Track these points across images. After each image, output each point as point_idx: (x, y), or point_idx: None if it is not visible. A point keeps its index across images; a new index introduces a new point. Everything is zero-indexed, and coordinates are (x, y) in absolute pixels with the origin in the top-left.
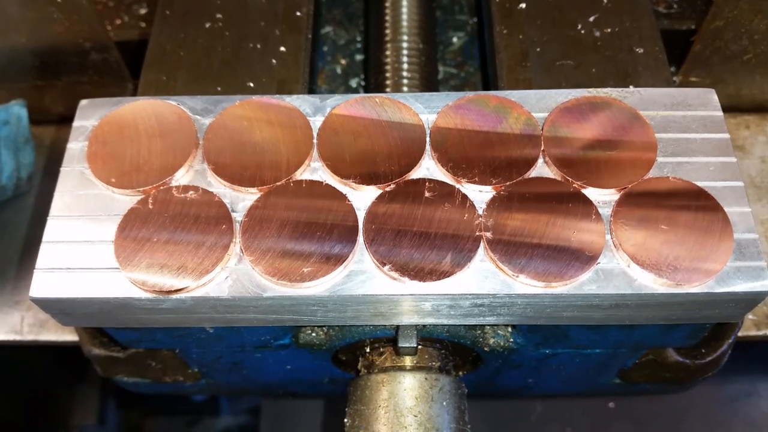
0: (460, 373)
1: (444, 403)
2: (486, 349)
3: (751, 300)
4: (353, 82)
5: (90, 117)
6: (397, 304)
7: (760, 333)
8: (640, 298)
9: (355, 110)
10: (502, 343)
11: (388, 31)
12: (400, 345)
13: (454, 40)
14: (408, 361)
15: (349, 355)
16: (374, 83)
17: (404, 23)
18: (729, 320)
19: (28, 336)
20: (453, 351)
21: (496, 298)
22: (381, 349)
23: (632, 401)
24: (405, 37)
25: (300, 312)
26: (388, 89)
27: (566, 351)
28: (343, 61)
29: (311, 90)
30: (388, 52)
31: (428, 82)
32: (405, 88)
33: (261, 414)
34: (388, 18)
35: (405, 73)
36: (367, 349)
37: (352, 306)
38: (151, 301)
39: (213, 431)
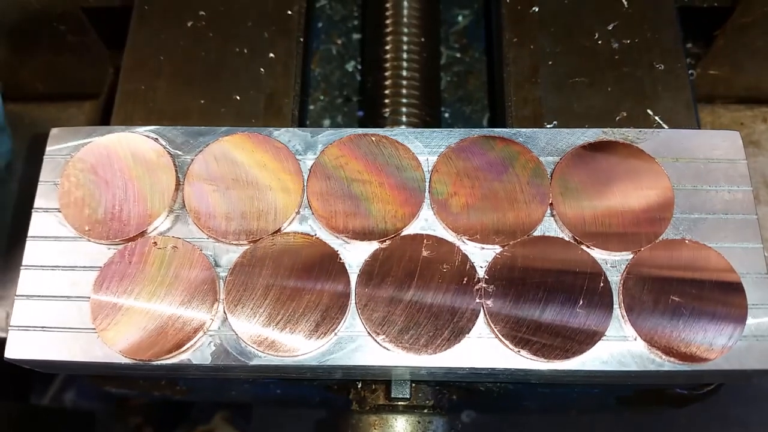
0: (454, 397)
1: None
2: (482, 388)
3: (760, 373)
4: (350, 66)
5: (62, 148)
6: (390, 371)
7: None
8: (646, 374)
9: (349, 151)
10: (498, 385)
11: (389, 29)
12: (393, 395)
13: (460, 18)
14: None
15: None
16: (372, 81)
17: (405, 18)
18: (735, 383)
19: None
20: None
21: (495, 370)
22: (373, 386)
23: (629, 411)
24: (405, 29)
25: (288, 372)
26: (387, 100)
27: (564, 390)
28: (338, 41)
29: (303, 102)
30: (387, 55)
31: (428, 83)
32: (404, 99)
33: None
34: (388, 9)
35: (404, 72)
36: (359, 385)
37: (343, 370)
38: (130, 365)
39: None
